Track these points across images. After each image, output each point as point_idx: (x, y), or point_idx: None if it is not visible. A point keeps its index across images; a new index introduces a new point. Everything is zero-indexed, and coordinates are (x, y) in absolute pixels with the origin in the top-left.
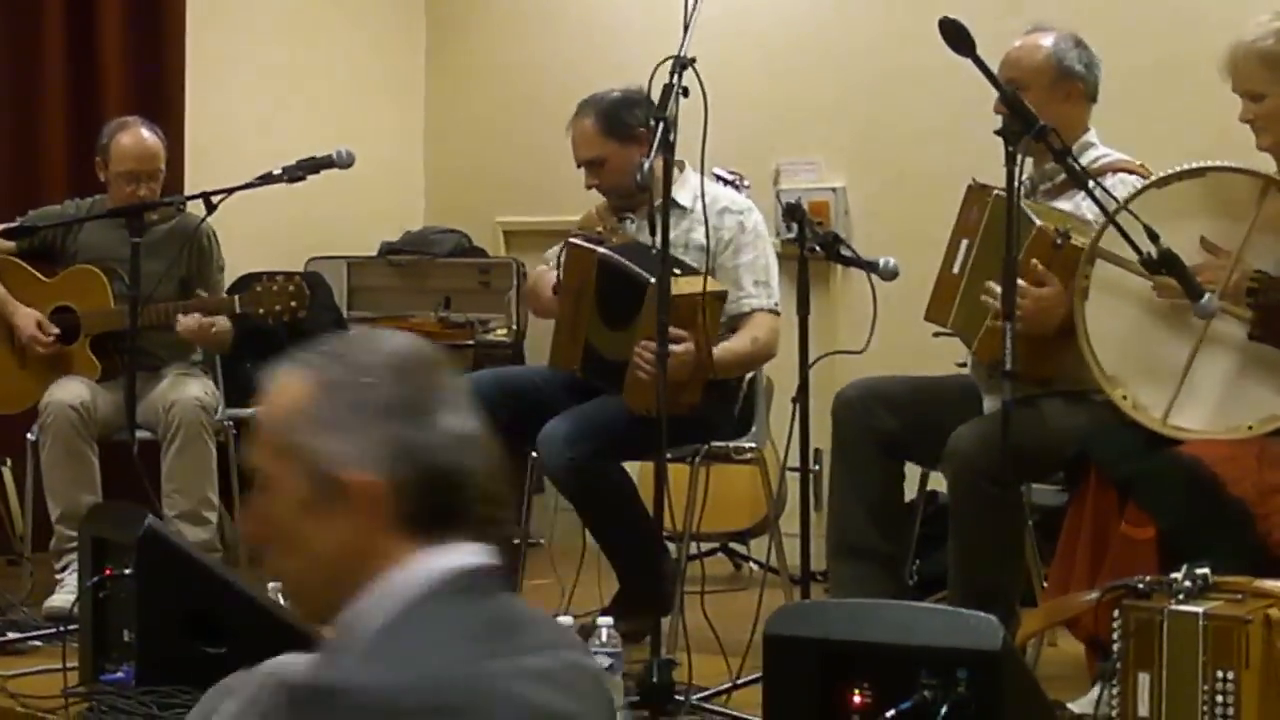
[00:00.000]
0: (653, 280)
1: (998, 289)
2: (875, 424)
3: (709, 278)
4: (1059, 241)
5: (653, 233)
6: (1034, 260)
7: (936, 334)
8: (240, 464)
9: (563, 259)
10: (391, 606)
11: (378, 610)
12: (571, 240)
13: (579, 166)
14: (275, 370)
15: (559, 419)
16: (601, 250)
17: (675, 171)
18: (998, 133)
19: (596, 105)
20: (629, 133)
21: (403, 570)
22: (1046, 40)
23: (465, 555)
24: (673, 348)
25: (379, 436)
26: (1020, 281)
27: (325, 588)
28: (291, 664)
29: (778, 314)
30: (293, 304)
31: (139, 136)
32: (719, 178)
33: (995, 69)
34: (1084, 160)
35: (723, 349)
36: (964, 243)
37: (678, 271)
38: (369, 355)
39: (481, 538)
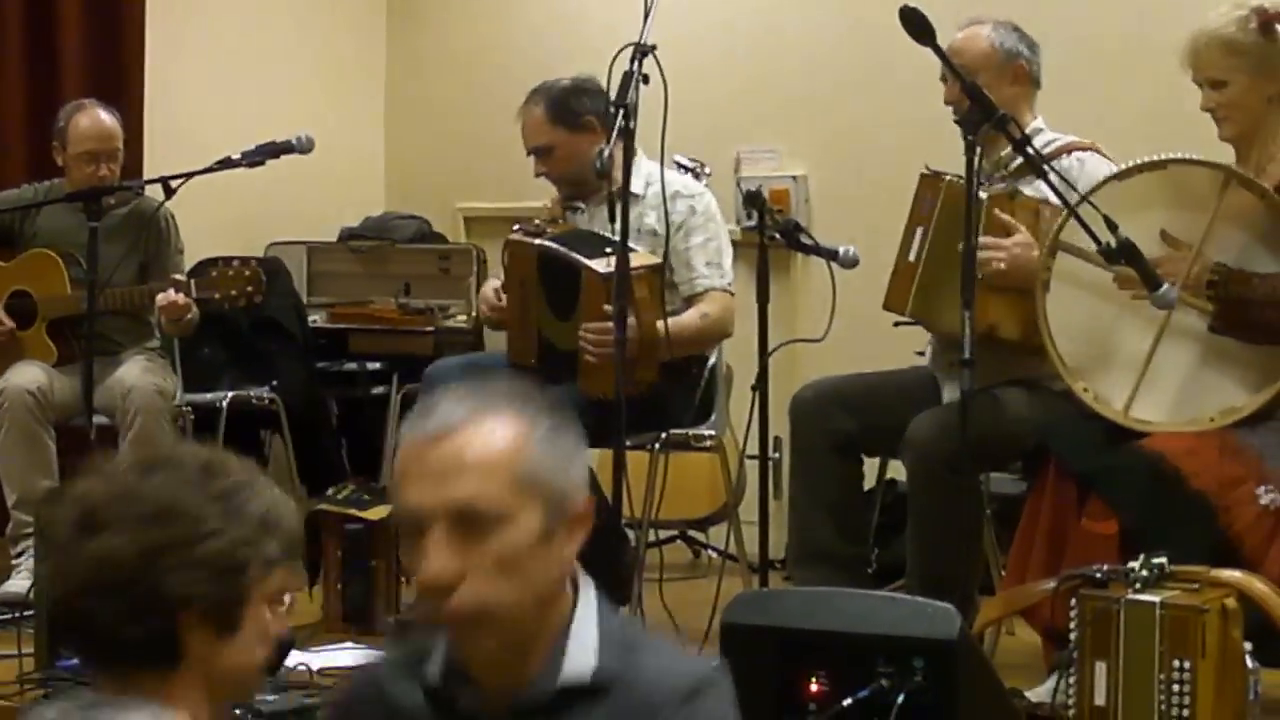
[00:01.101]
0: (586, 263)
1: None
2: (833, 426)
3: (646, 254)
4: (1012, 194)
5: (612, 220)
6: (996, 210)
7: (897, 323)
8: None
9: (505, 256)
10: (604, 609)
11: (600, 613)
12: (511, 236)
13: (529, 154)
14: (471, 410)
15: None
16: (538, 242)
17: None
18: (957, 122)
19: (546, 93)
20: (577, 121)
21: (577, 597)
22: (985, 29)
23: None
24: (609, 326)
25: (582, 463)
26: (987, 239)
27: (536, 612)
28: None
29: (731, 293)
30: (249, 289)
31: (96, 117)
32: (679, 165)
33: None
34: (1036, 145)
35: (672, 322)
36: (919, 230)
37: (608, 251)
38: (538, 394)
39: None
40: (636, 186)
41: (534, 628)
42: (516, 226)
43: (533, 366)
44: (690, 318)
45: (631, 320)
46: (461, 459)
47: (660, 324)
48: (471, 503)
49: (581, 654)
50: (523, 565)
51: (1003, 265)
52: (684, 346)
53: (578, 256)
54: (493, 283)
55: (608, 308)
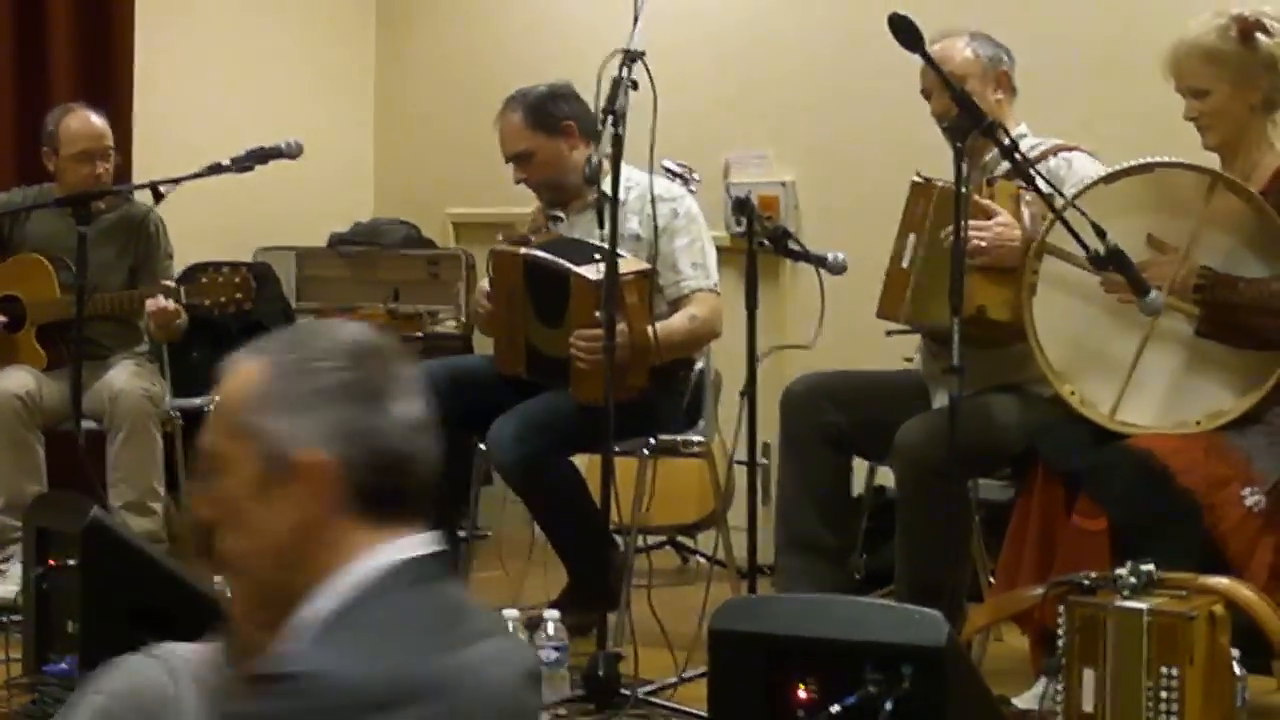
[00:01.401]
0: (574, 269)
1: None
2: (823, 419)
3: (634, 259)
4: (990, 180)
5: (600, 225)
6: (975, 196)
7: (890, 333)
8: (189, 451)
9: (490, 266)
10: (351, 596)
11: (337, 599)
12: (495, 247)
13: (507, 161)
14: (233, 356)
15: (507, 416)
16: (524, 251)
17: (606, 164)
18: (945, 130)
19: (522, 99)
20: (556, 125)
21: (358, 560)
22: (961, 40)
23: (417, 544)
24: (599, 332)
25: (332, 418)
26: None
27: (275, 571)
28: (179, 652)
29: (717, 294)
30: (238, 295)
31: (86, 117)
32: (668, 171)
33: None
34: (1022, 149)
35: (661, 326)
36: (911, 237)
37: (596, 258)
38: (324, 340)
39: (429, 525)
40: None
41: (278, 592)
42: (501, 236)
43: (521, 376)
44: (679, 321)
45: (622, 326)
46: (212, 405)
47: (650, 329)
48: (204, 447)
49: (295, 637)
50: (241, 515)
51: (983, 243)
52: (675, 350)
53: (565, 264)
54: (485, 285)
55: (599, 314)
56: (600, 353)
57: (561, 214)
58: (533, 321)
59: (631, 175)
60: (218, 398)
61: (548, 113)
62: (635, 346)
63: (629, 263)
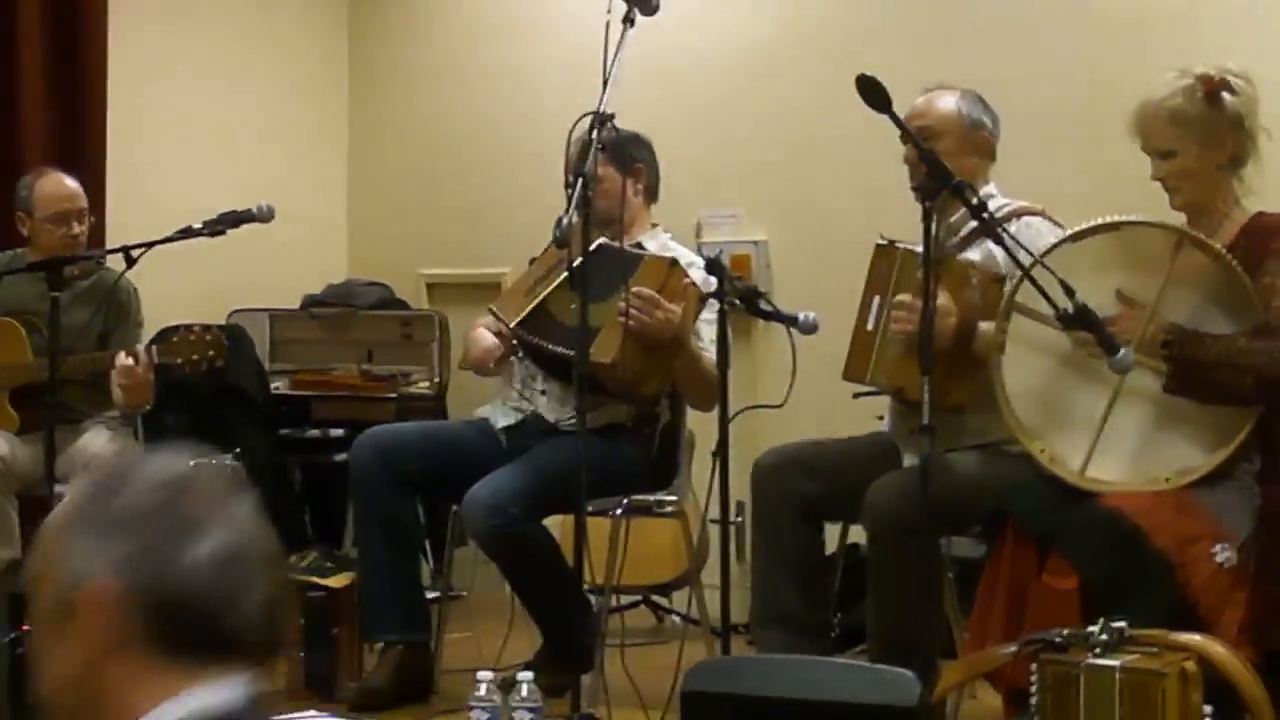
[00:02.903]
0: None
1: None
2: (794, 491)
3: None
4: (940, 259)
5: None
6: (917, 275)
7: (858, 395)
8: None
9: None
10: None
11: None
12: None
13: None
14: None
15: (482, 484)
16: (601, 242)
17: (649, 226)
18: (914, 189)
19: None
20: (627, 163)
21: (157, 707)
22: (952, 96)
23: (225, 692)
24: (666, 304)
25: (120, 548)
26: (905, 296)
27: (68, 713)
28: None
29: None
30: (210, 354)
31: (59, 180)
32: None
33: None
34: (989, 210)
35: (698, 348)
36: (876, 299)
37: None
38: (139, 469)
39: (255, 666)
40: (652, 247)
41: None
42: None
43: (505, 328)
44: (708, 360)
45: (677, 312)
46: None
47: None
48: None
49: None
50: (43, 654)
51: (910, 326)
52: (691, 377)
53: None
54: (484, 332)
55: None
56: (652, 321)
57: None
58: (563, 291)
59: (666, 243)
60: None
61: (625, 150)
62: (677, 336)
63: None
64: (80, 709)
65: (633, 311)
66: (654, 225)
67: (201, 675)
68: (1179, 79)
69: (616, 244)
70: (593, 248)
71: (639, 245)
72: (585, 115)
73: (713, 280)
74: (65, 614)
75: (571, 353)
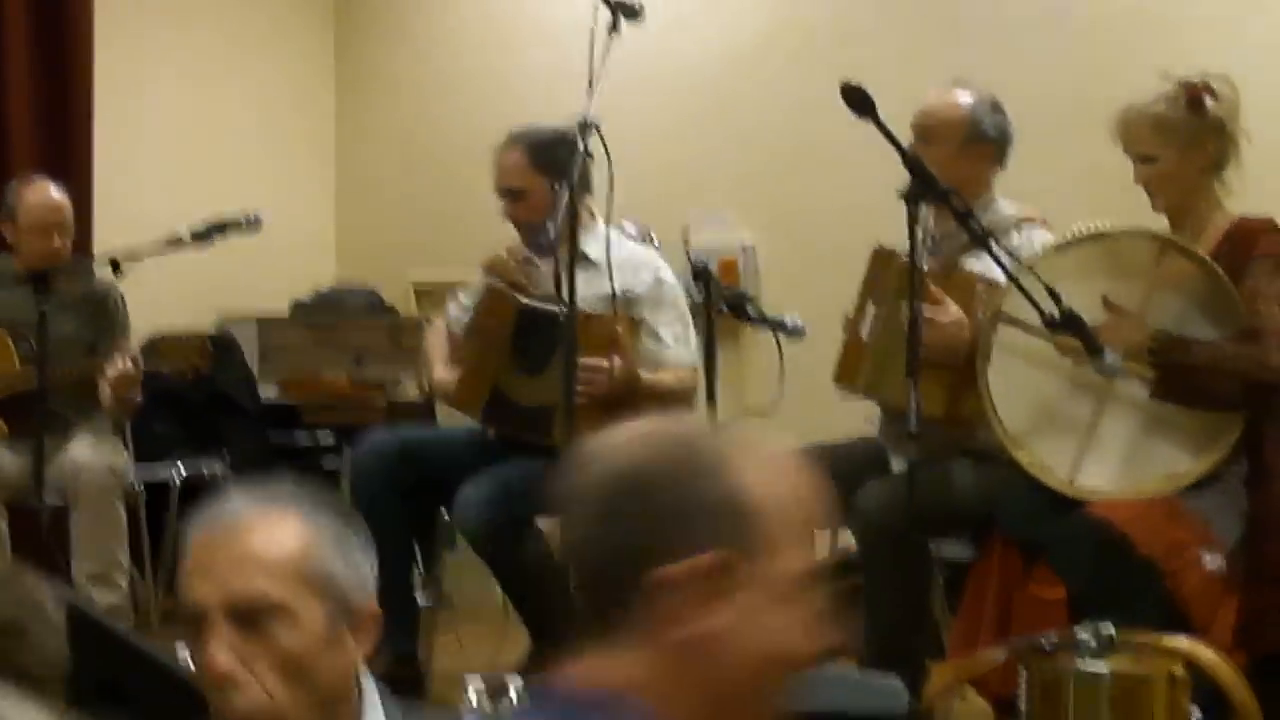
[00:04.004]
0: (562, 309)
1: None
2: None
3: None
4: (948, 271)
5: (556, 289)
6: (931, 286)
7: (845, 399)
8: (152, 522)
9: (481, 300)
10: (389, 708)
11: (386, 713)
12: (492, 284)
13: (501, 194)
14: (245, 507)
15: (474, 484)
16: (523, 299)
17: (586, 217)
18: (902, 195)
19: (526, 137)
20: (559, 170)
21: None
22: (966, 99)
23: None
24: (604, 363)
25: (371, 568)
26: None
27: (321, 715)
28: None
29: (697, 371)
30: (196, 361)
31: (44, 190)
32: (625, 233)
33: (907, 127)
34: (985, 217)
35: (651, 375)
36: (871, 308)
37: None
38: (326, 497)
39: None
40: (593, 253)
41: None
42: (484, 268)
43: (474, 416)
44: (667, 376)
45: (618, 360)
46: (246, 553)
47: (646, 374)
48: (254, 598)
49: None
50: (306, 665)
51: (926, 341)
52: (656, 402)
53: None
54: (457, 306)
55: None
56: (600, 384)
57: (538, 261)
58: (509, 369)
59: (614, 239)
60: (261, 547)
61: (551, 156)
62: (628, 383)
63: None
64: (332, 707)
65: (581, 389)
66: (593, 216)
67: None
68: (1162, 84)
69: (536, 304)
70: (517, 314)
71: (584, 255)
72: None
73: (660, 267)
74: (346, 629)
75: (539, 437)
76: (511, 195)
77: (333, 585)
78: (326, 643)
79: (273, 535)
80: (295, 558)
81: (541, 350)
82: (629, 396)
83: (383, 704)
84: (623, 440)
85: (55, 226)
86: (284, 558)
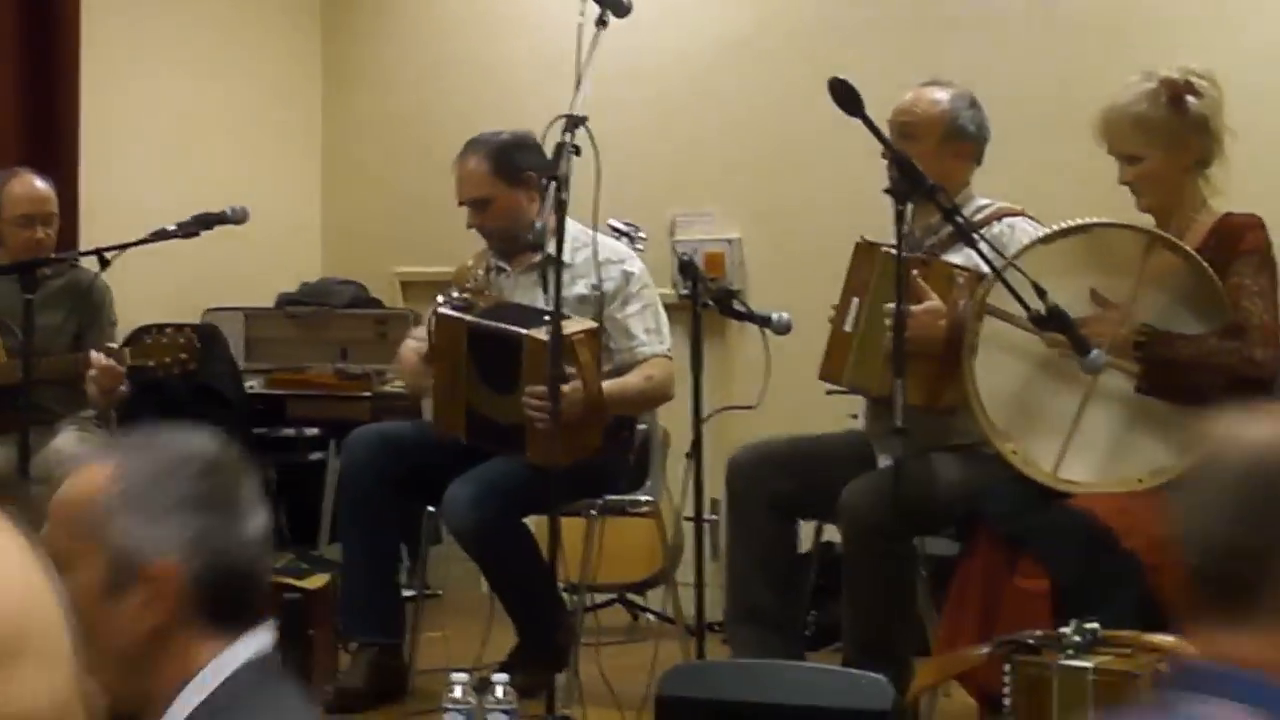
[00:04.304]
0: (526, 332)
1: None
2: (769, 487)
3: (581, 319)
4: (927, 260)
5: (545, 289)
6: (913, 271)
7: (830, 392)
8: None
9: (431, 329)
10: (204, 705)
11: (189, 708)
12: (439, 311)
13: (462, 205)
14: (79, 456)
15: (462, 481)
16: (469, 318)
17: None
18: (887, 191)
19: (486, 145)
20: (518, 175)
21: (206, 667)
22: (943, 95)
23: (254, 646)
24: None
25: (182, 527)
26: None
27: (122, 678)
28: None
29: (670, 359)
30: (183, 356)
31: (30, 182)
32: (614, 229)
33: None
34: (966, 211)
35: (615, 384)
36: (855, 300)
37: (545, 320)
38: (175, 448)
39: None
40: (565, 253)
41: (130, 694)
42: (441, 299)
43: (460, 440)
44: (634, 380)
45: (578, 384)
46: (53, 501)
47: (604, 386)
48: (50, 545)
49: None
50: (84, 618)
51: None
52: (628, 408)
53: (514, 328)
54: (411, 343)
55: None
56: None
57: (507, 266)
58: (478, 387)
59: (579, 236)
60: (60, 496)
61: (511, 162)
62: (590, 403)
63: (577, 322)
64: (134, 670)
65: (537, 416)
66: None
67: (240, 633)
68: (1142, 83)
69: (484, 322)
70: (468, 334)
71: (545, 258)
72: (558, 118)
73: (627, 259)
74: (123, 586)
75: (520, 454)
76: (476, 205)
77: (114, 538)
78: (101, 597)
79: (74, 484)
80: (81, 507)
81: (506, 367)
82: (596, 413)
83: (221, 690)
84: (1254, 436)
85: (40, 218)
86: (71, 506)
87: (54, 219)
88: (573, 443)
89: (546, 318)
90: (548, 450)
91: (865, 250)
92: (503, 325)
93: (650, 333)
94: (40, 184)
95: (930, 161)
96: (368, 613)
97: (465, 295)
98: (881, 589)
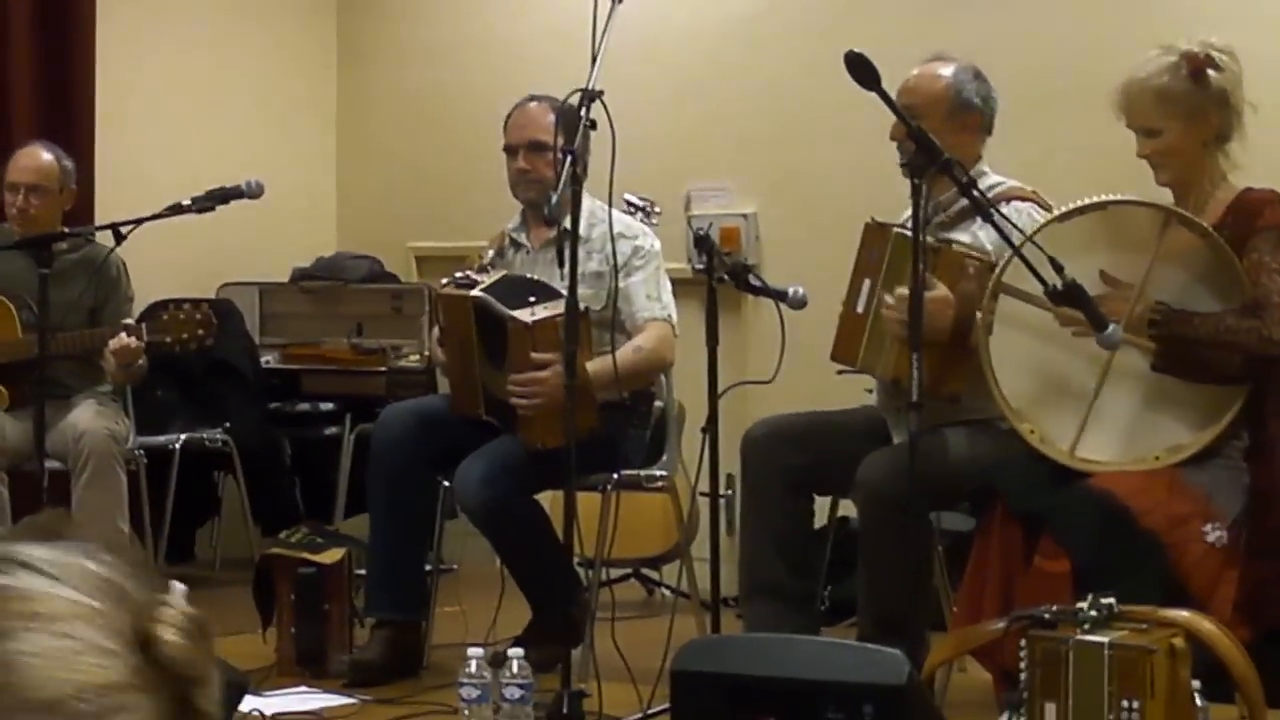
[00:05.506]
0: (511, 314)
1: (890, 300)
2: (784, 463)
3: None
4: (937, 249)
5: (560, 265)
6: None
7: (840, 372)
8: (153, 489)
9: (439, 310)
10: None
11: None
12: (443, 291)
13: (518, 148)
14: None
15: (473, 458)
16: (474, 294)
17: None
18: (903, 165)
19: (552, 100)
20: (571, 137)
21: None
22: (946, 70)
23: None
24: (540, 374)
25: None
26: (902, 290)
27: None
28: None
29: (669, 322)
30: (200, 332)
31: (30, 152)
32: (629, 204)
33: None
34: (979, 188)
35: (598, 362)
36: (866, 282)
37: (532, 300)
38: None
39: None
40: (581, 228)
41: None
42: (446, 280)
43: (480, 418)
44: (623, 354)
45: (557, 368)
46: None
47: (590, 365)
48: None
49: None
50: None
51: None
52: (626, 382)
53: (502, 309)
54: (437, 331)
55: (535, 356)
56: (538, 396)
57: (526, 241)
58: (486, 364)
59: (596, 212)
60: None
61: (572, 123)
62: (579, 384)
63: (550, 306)
64: None
65: (519, 402)
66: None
67: None
68: (1163, 56)
69: (490, 300)
70: (475, 309)
71: (561, 233)
72: (574, 92)
73: (640, 234)
74: None
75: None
76: (536, 148)
77: None
78: None
79: None
80: None
81: (500, 345)
82: (583, 395)
83: None
84: None
85: (23, 187)
86: None
87: (42, 190)
88: (560, 426)
89: (532, 299)
90: (536, 434)
91: (875, 231)
92: (496, 304)
93: (650, 298)
94: (42, 155)
95: (940, 137)
96: (395, 592)
97: (470, 275)
98: (897, 564)
